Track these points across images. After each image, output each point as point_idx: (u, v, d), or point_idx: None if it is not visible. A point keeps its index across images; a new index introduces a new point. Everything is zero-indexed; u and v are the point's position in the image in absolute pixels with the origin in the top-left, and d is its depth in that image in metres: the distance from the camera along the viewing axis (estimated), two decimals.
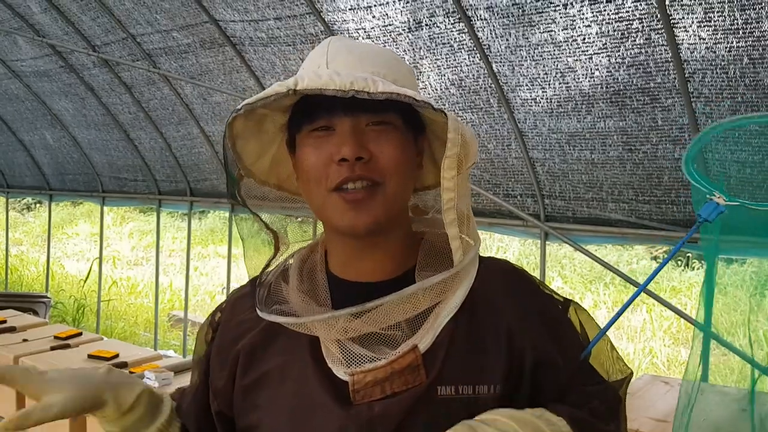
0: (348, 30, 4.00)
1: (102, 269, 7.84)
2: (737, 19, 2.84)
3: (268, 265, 1.15)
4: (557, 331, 1.07)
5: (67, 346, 4.04)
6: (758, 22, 2.81)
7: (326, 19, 4.02)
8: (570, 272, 10.10)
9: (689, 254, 8.55)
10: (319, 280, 1.10)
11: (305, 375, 1.04)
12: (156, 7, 4.74)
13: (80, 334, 4.37)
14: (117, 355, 3.83)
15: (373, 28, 3.89)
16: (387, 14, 3.76)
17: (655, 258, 9.98)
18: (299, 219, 1.18)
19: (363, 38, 3.97)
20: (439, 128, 1.03)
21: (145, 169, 6.49)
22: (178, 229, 13.22)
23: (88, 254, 12.19)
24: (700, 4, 2.86)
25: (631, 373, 1.13)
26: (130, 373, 3.58)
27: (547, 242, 4.19)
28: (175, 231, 13.29)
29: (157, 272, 6.95)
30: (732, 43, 2.92)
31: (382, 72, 1.01)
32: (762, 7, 2.76)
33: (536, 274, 4.32)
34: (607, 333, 1.14)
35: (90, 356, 3.80)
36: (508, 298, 1.06)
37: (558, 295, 1.13)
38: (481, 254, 1.12)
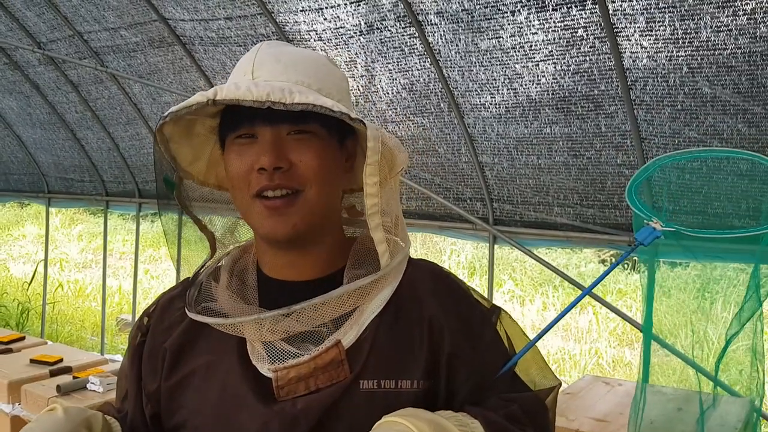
0: (300, 32, 3.99)
1: (48, 272, 7.64)
2: (677, 29, 2.92)
3: (202, 266, 1.16)
4: (475, 334, 1.08)
5: (10, 351, 3.96)
6: (697, 33, 2.90)
7: (278, 21, 4.01)
8: (521, 275, 10.24)
9: (635, 258, 8.75)
10: (249, 278, 1.11)
11: (231, 373, 1.04)
12: (104, 4, 4.65)
13: (23, 338, 4.31)
14: (61, 360, 3.77)
15: (324, 30, 3.89)
16: (339, 17, 3.76)
17: (603, 261, 10.17)
18: (231, 221, 1.19)
19: (314, 40, 3.97)
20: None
21: (92, 169, 6.36)
22: (129, 232, 12.97)
23: (35, 257, 11.87)
24: (642, 13, 2.94)
25: (560, 384, 1.14)
26: (74, 378, 3.51)
27: (496, 245, 4.25)
28: (125, 233, 13.06)
29: (104, 274, 6.82)
30: (672, 52, 3.00)
31: (307, 81, 1.02)
32: (701, 18, 2.85)
33: (486, 276, 4.39)
34: (538, 343, 1.14)
35: (32, 361, 3.73)
36: (433, 298, 1.07)
37: (487, 301, 1.15)
38: (412, 256, 1.14)
